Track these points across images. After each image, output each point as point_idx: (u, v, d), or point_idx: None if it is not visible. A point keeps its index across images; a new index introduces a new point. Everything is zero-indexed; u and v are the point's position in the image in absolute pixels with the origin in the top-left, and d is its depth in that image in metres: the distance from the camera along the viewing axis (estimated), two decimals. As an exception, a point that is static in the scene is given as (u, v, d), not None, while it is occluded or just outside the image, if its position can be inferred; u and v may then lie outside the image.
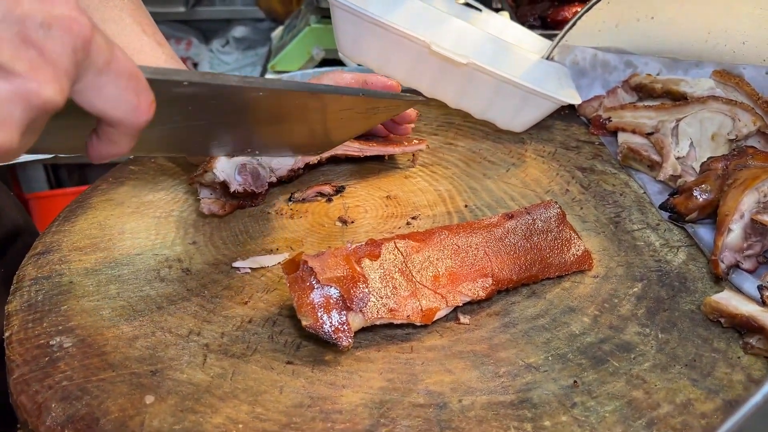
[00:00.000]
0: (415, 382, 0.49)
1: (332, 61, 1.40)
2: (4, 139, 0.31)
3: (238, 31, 2.50)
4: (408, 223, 0.68)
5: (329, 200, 0.71)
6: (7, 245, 0.74)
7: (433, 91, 0.83)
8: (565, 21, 1.38)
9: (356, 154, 0.76)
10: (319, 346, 0.52)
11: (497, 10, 1.60)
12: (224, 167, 0.65)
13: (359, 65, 1.30)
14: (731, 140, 0.71)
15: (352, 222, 0.68)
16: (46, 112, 0.33)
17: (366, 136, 0.77)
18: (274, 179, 0.70)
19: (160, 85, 0.41)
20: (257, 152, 0.66)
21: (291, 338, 0.53)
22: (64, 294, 0.57)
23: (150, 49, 0.70)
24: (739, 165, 0.64)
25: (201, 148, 0.63)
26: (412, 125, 0.78)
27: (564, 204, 0.71)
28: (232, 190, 0.65)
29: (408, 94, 0.67)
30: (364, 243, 0.54)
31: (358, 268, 0.51)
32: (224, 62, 2.48)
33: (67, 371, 0.49)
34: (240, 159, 0.66)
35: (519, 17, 1.47)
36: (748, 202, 0.59)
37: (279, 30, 1.68)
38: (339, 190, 0.72)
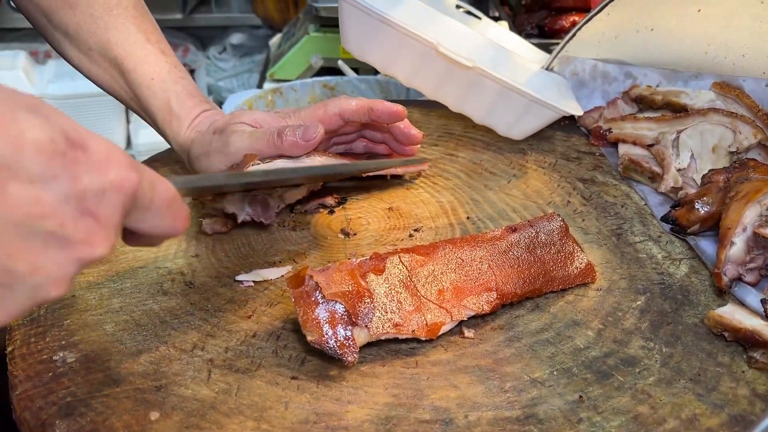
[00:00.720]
0: (421, 397, 0.49)
1: (330, 69, 1.40)
2: (59, 292, 0.34)
3: (235, 38, 2.50)
4: (410, 236, 0.68)
5: (331, 212, 0.71)
6: None
7: (435, 92, 0.83)
8: (563, 30, 1.39)
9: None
10: (324, 361, 0.52)
11: (495, 19, 1.60)
12: (236, 199, 0.65)
13: (357, 74, 1.30)
14: (732, 153, 0.71)
15: (355, 234, 0.68)
16: (95, 263, 0.37)
17: (369, 155, 0.77)
18: (281, 207, 0.69)
19: (196, 190, 0.48)
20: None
21: (295, 353, 0.53)
22: (66, 308, 0.57)
23: (153, 58, 0.70)
24: (740, 178, 0.64)
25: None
26: (418, 146, 0.77)
27: (566, 216, 0.71)
28: (239, 221, 0.65)
29: (421, 158, 0.76)
30: (368, 257, 0.54)
31: (363, 283, 0.51)
32: (221, 69, 2.48)
33: (71, 387, 0.49)
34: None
35: (516, 26, 1.47)
36: (750, 216, 0.59)
37: (277, 38, 1.68)
38: (341, 202, 0.72)
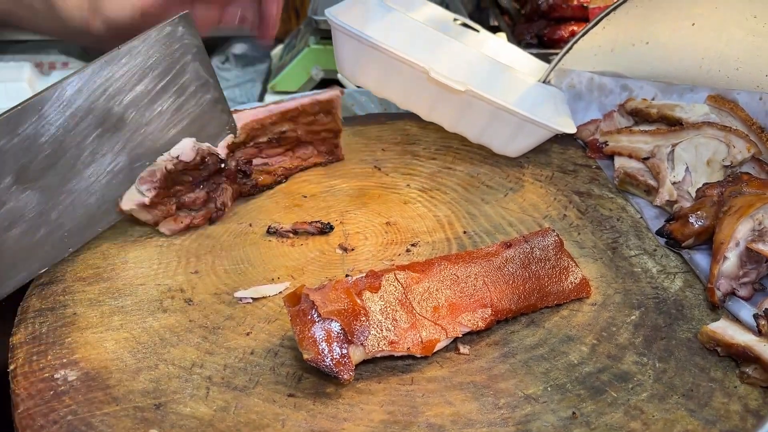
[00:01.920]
0: (416, 414, 0.49)
1: (332, 80, 1.41)
2: None
3: (238, 47, 2.51)
4: (408, 250, 0.68)
5: (323, 233, 0.71)
6: None
7: (430, 114, 0.84)
8: (562, 40, 1.40)
9: (264, 116, 0.77)
10: (321, 378, 0.52)
11: (494, 28, 1.61)
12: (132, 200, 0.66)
13: (358, 87, 1.31)
14: (726, 166, 0.72)
15: (353, 249, 0.69)
16: None
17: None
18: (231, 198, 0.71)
19: None
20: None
21: (293, 370, 0.53)
22: (68, 326, 0.58)
23: None
24: (734, 192, 0.64)
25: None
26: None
27: (561, 230, 0.71)
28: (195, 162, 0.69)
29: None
30: (364, 275, 0.54)
31: (359, 301, 0.52)
32: (224, 78, 2.48)
33: (72, 405, 0.50)
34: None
35: (516, 35, 1.48)
36: (743, 230, 0.60)
37: (278, 49, 1.70)
38: (324, 231, 0.71)
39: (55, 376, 0.52)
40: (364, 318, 0.51)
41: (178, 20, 0.65)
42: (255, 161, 0.79)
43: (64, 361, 0.54)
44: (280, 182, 0.81)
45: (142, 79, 0.64)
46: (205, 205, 0.71)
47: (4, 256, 0.59)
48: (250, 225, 0.72)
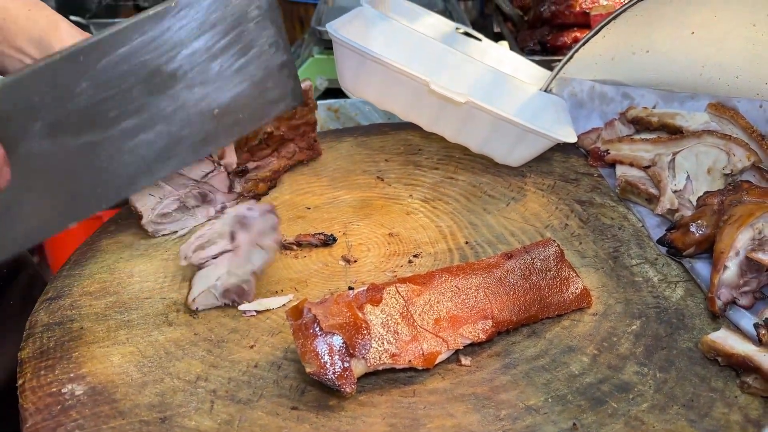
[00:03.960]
0: (417, 427, 0.50)
1: (335, 90, 1.42)
2: None
3: (243, 56, 2.53)
4: (410, 261, 0.69)
5: (326, 245, 0.72)
6: (12, 277, 0.76)
7: (432, 125, 0.84)
8: (564, 46, 1.40)
9: None
10: (324, 391, 0.53)
11: (497, 36, 1.62)
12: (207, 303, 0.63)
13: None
14: (726, 174, 0.72)
15: (355, 261, 0.69)
16: None
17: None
18: (253, 283, 0.64)
19: None
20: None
21: (296, 382, 0.54)
22: (75, 340, 0.59)
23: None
24: (734, 200, 0.65)
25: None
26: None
27: (563, 239, 0.72)
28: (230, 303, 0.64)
29: None
30: (365, 288, 0.55)
31: (361, 315, 0.52)
32: (230, 87, 2.51)
33: (79, 420, 0.50)
34: (218, 285, 0.62)
35: (519, 42, 1.49)
36: (743, 240, 0.60)
37: (283, 58, 1.71)
38: (327, 243, 0.72)
39: (63, 390, 0.53)
40: (365, 331, 0.52)
41: None
42: (249, 165, 0.80)
43: (72, 375, 0.55)
44: (273, 187, 0.83)
45: (201, 34, 0.58)
46: None
47: (29, 204, 0.53)
48: (254, 237, 0.73)
